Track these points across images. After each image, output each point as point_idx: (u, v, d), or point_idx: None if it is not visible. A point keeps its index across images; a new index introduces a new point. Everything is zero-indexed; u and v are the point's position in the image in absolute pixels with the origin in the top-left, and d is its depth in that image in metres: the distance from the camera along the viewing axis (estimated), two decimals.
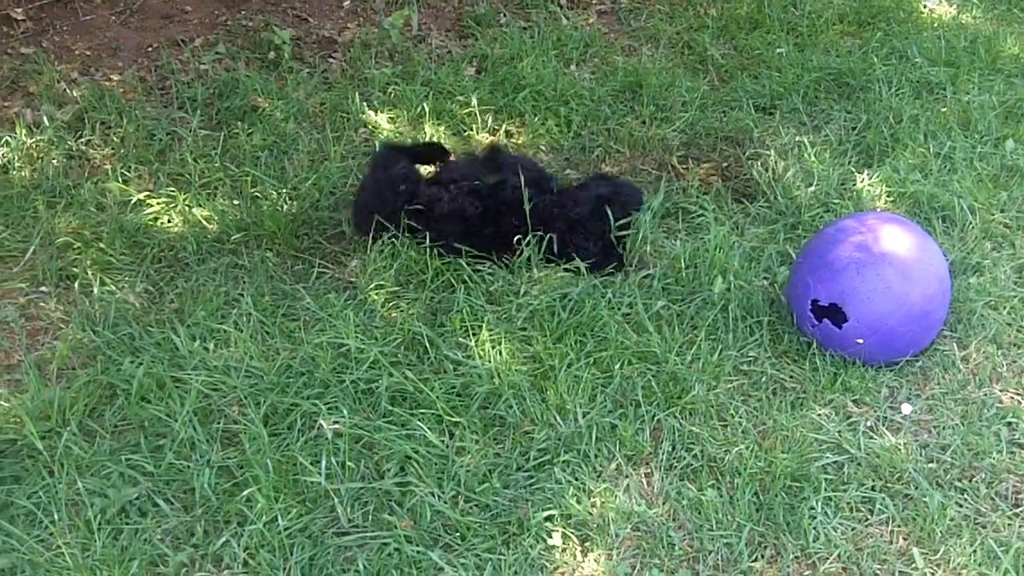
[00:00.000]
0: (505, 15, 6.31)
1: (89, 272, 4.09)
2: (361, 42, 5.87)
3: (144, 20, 5.95)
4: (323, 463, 3.22)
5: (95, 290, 4.00)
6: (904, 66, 5.58)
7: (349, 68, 5.67)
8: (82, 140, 4.85)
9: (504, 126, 5.10)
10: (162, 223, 4.38)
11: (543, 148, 4.98)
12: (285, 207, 4.50)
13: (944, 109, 5.12)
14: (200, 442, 3.32)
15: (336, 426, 3.34)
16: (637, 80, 5.48)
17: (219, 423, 3.40)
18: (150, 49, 5.71)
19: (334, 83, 5.52)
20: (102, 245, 4.22)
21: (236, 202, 4.52)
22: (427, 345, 3.71)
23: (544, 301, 3.89)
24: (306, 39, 5.96)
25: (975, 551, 3.06)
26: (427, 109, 5.17)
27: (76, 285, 4.04)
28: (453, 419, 3.41)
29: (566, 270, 4.07)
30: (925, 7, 6.36)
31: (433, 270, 4.05)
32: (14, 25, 5.70)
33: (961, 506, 3.20)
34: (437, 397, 3.45)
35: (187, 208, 4.44)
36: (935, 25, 6.10)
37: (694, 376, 3.59)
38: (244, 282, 4.08)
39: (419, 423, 3.36)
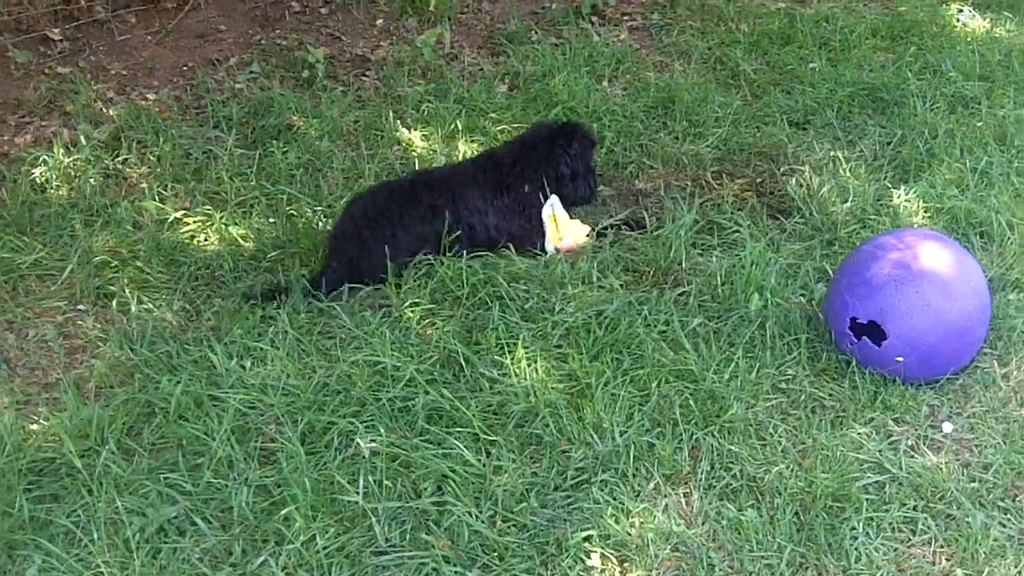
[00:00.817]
0: (537, 32, 6.32)
1: (126, 290, 4.11)
2: (394, 60, 5.90)
3: (179, 40, 6.00)
4: (360, 482, 3.21)
5: (132, 308, 4.02)
6: (938, 80, 5.55)
7: (382, 86, 5.69)
8: (119, 159, 4.89)
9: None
10: (198, 241, 4.41)
11: None
12: (320, 225, 4.51)
13: (979, 123, 5.09)
14: (238, 460, 3.31)
15: (373, 444, 3.33)
16: (669, 96, 5.48)
17: (256, 441, 3.40)
18: (185, 68, 5.76)
19: (368, 101, 5.54)
20: (139, 263, 4.25)
21: (272, 220, 4.54)
22: (463, 363, 3.70)
23: (580, 318, 3.88)
24: (340, 58, 5.99)
25: (1020, 572, 3.01)
26: (460, 126, 5.17)
27: (114, 303, 4.06)
28: (489, 438, 3.40)
29: (601, 287, 4.06)
30: (958, 21, 6.33)
31: (468, 287, 4.04)
32: (51, 45, 5.75)
33: (1004, 526, 3.16)
34: (473, 415, 3.43)
35: (223, 226, 4.46)
36: (969, 39, 6.07)
37: (732, 394, 3.57)
38: (280, 300, 4.08)
39: (455, 442, 3.35)
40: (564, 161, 4.39)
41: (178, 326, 3.96)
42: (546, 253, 4.34)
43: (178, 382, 3.59)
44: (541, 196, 4.36)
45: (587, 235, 4.38)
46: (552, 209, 4.35)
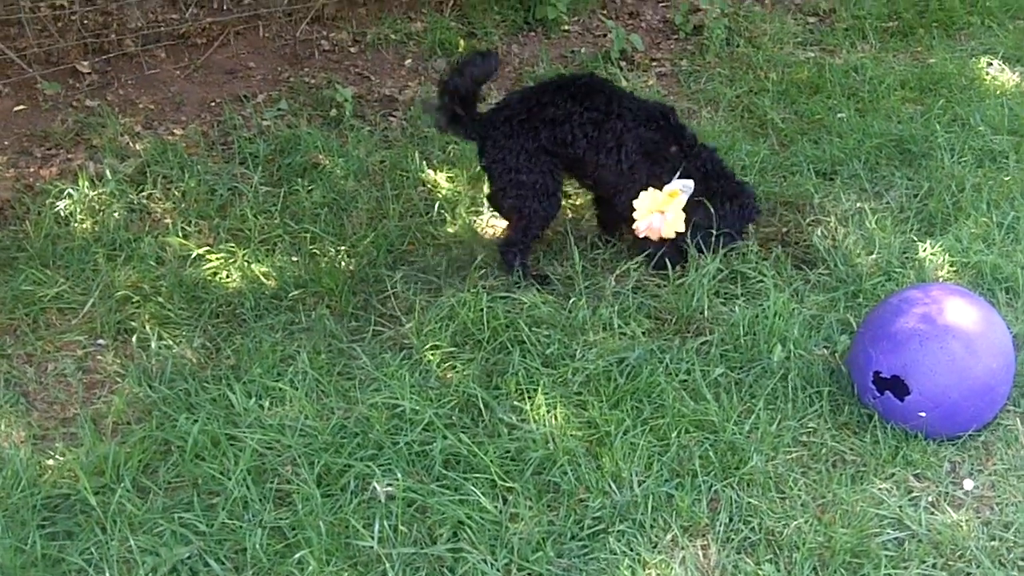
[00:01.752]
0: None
1: (147, 326, 4.12)
2: (422, 100, 5.91)
3: (208, 75, 6.04)
4: (376, 527, 3.19)
5: (152, 344, 4.02)
6: (967, 133, 5.52)
7: (409, 126, 5.71)
8: (144, 194, 4.91)
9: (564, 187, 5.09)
10: (221, 278, 4.41)
11: None
12: (343, 264, 4.51)
13: (1008, 178, 5.05)
14: (253, 501, 3.30)
15: (389, 489, 3.32)
16: None
17: (272, 483, 3.39)
18: (213, 104, 5.79)
19: (394, 141, 5.56)
20: (161, 299, 4.26)
21: (295, 259, 4.54)
22: (482, 408, 3.69)
23: (600, 365, 3.86)
24: (367, 97, 6.02)
25: None
26: None
27: (134, 339, 4.07)
28: (507, 484, 3.37)
29: (622, 334, 4.04)
30: (988, 74, 6.31)
31: (490, 331, 4.03)
32: (80, 78, 5.80)
33: None
34: (491, 461, 3.41)
35: (246, 264, 4.47)
36: (998, 92, 6.04)
37: (752, 446, 3.54)
38: (300, 339, 4.08)
39: (472, 488, 3.33)
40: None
41: (197, 363, 3.96)
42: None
43: (195, 420, 3.59)
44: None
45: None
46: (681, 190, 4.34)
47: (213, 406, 3.70)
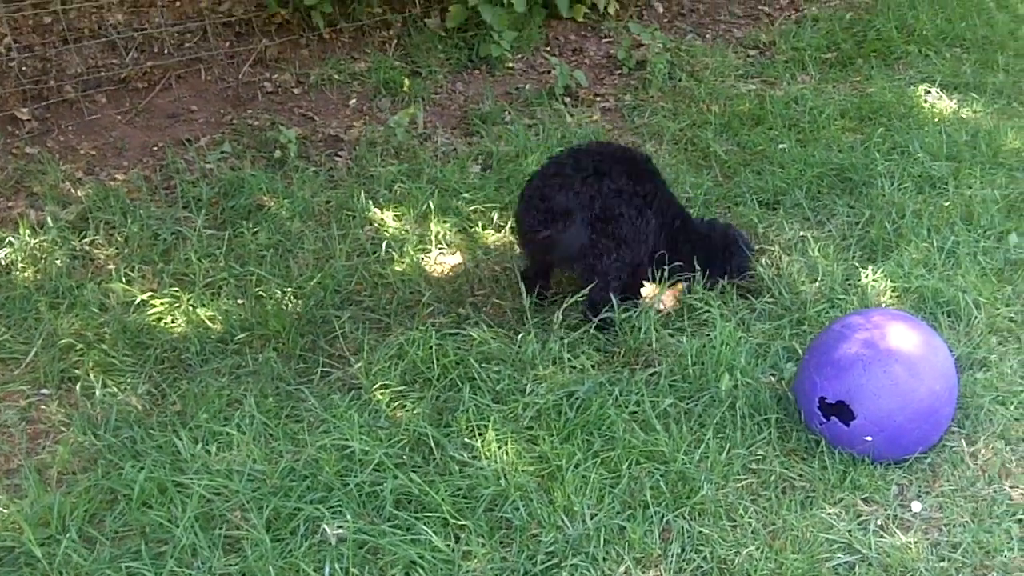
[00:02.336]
0: (510, 113, 6.36)
1: (91, 374, 4.08)
2: (367, 140, 5.93)
3: (150, 119, 6.02)
4: (327, 570, 3.17)
5: (97, 392, 3.98)
6: (906, 161, 5.60)
7: (355, 166, 5.71)
8: (86, 240, 4.88)
9: (510, 223, 5.10)
10: (165, 324, 4.38)
11: None
12: (289, 306, 4.50)
13: (947, 203, 5.12)
14: (202, 549, 3.26)
15: (340, 531, 3.29)
16: None
17: (221, 529, 3.35)
18: (155, 148, 5.77)
19: (340, 181, 5.56)
20: (105, 346, 4.22)
21: (240, 302, 4.52)
22: (433, 446, 3.68)
23: (551, 400, 3.86)
24: (312, 137, 6.02)
25: None
26: (432, 206, 5.19)
27: (78, 387, 4.02)
28: (459, 522, 3.36)
29: (572, 368, 4.05)
30: (926, 102, 6.40)
31: (439, 368, 4.03)
32: (20, 125, 5.75)
33: None
34: (443, 500, 3.40)
35: (191, 308, 4.44)
36: (936, 120, 6.13)
37: (703, 475, 3.55)
38: (247, 383, 4.06)
39: (424, 527, 3.31)
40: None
41: (143, 410, 3.93)
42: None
43: (142, 468, 3.54)
44: None
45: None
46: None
47: (159, 453, 3.66)
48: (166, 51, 6.47)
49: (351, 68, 6.70)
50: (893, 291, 4.49)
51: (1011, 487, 3.54)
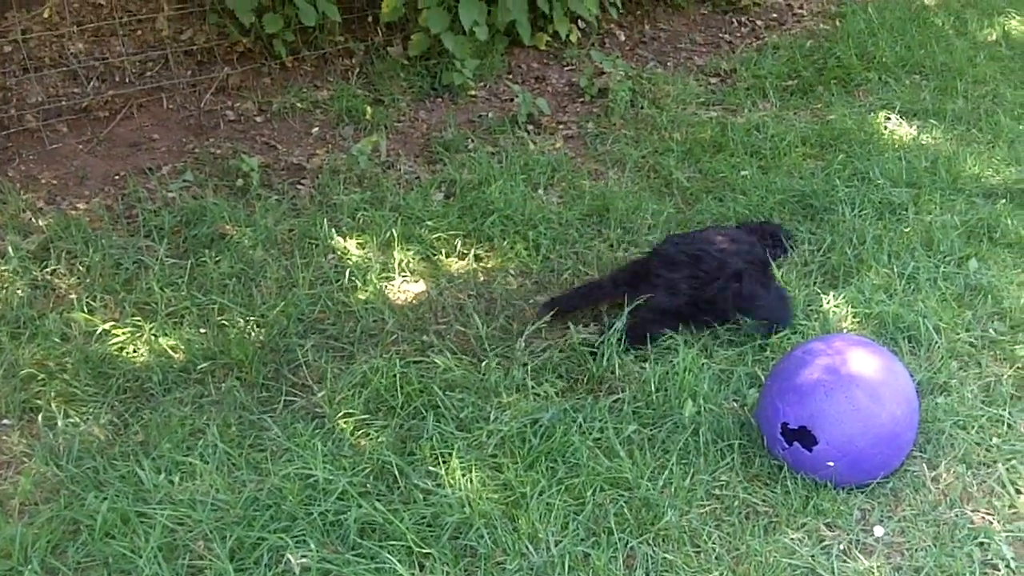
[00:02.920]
0: (473, 140, 6.38)
1: (53, 404, 4.04)
2: (330, 168, 5.92)
3: (111, 148, 5.99)
4: None
5: (59, 423, 3.95)
6: (866, 187, 5.65)
7: (318, 194, 5.71)
8: (47, 270, 4.84)
9: (473, 250, 5.12)
10: (128, 353, 4.35)
11: (512, 272, 4.99)
12: (252, 335, 4.48)
13: (907, 229, 5.17)
14: None
15: (304, 560, 3.28)
16: (604, 204, 5.54)
17: (184, 559, 3.33)
18: (117, 177, 5.74)
19: (303, 209, 5.55)
20: (67, 376, 4.19)
21: (203, 331, 4.50)
22: (396, 474, 3.67)
23: (515, 427, 3.87)
24: (274, 166, 6.01)
25: None
26: (396, 234, 5.19)
27: (40, 418, 3.99)
28: (424, 551, 3.35)
29: (536, 395, 4.06)
30: (886, 128, 6.47)
31: (403, 396, 4.03)
32: None
33: None
34: (407, 528, 3.39)
35: (153, 337, 4.42)
36: (896, 146, 6.20)
37: (666, 501, 3.55)
38: (210, 412, 4.04)
39: (388, 556, 3.30)
40: None
41: (105, 440, 3.90)
42: None
43: (104, 498, 3.52)
44: None
45: None
46: None
47: (122, 483, 3.64)
48: (127, 80, 6.46)
49: (313, 96, 6.71)
50: (854, 317, 4.52)
51: (972, 511, 3.57)
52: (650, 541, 3.43)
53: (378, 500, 3.53)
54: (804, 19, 8.69)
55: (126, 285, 4.80)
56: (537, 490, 3.58)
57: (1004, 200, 5.46)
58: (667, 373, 4.13)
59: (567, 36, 7.62)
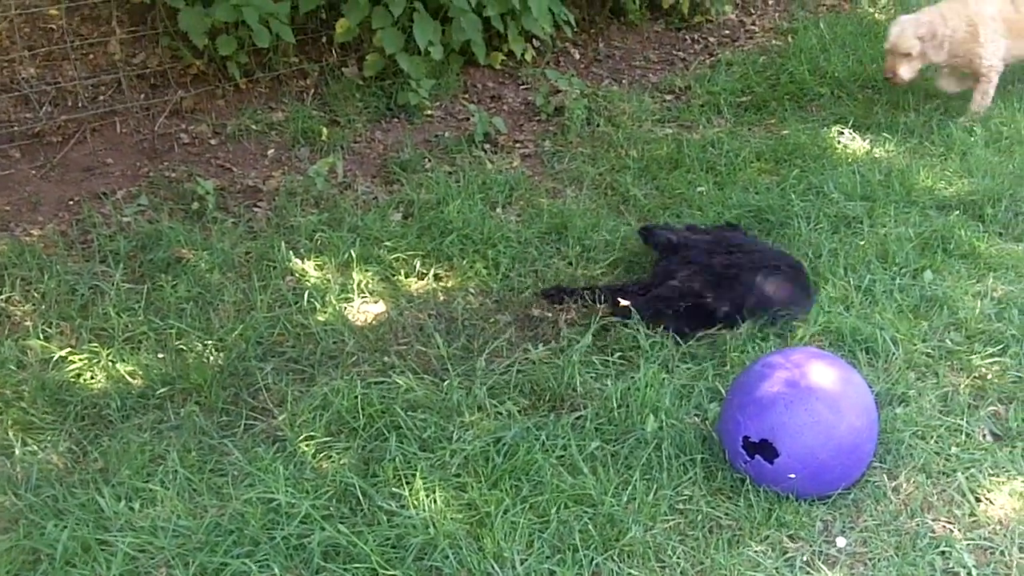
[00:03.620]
0: (430, 160, 6.39)
1: (10, 433, 4.00)
2: (286, 190, 5.90)
3: (65, 174, 5.95)
4: None
5: (17, 451, 3.91)
6: (821, 201, 5.69)
7: (275, 216, 5.68)
8: (2, 297, 4.79)
9: (433, 270, 5.12)
10: (85, 380, 4.31)
11: (472, 291, 4.99)
12: (211, 359, 4.45)
13: (863, 242, 5.21)
14: None
15: None
16: (562, 221, 5.55)
17: None
18: (72, 203, 5.70)
19: (259, 232, 5.52)
20: (23, 404, 4.14)
21: (160, 356, 4.46)
22: (360, 496, 3.65)
23: (478, 446, 3.86)
24: (230, 189, 5.98)
25: None
26: (354, 255, 5.18)
27: None
28: (388, 572, 3.34)
29: (498, 414, 4.05)
30: (839, 143, 6.52)
31: (365, 418, 4.01)
32: None
33: None
34: (371, 550, 3.37)
35: (111, 363, 4.38)
36: (850, 160, 6.25)
37: (631, 517, 3.56)
38: (170, 438, 4.00)
39: None
40: None
41: (64, 468, 3.85)
42: None
43: (64, 527, 3.49)
44: None
45: None
46: None
47: (82, 511, 3.60)
48: (80, 104, 6.41)
49: (268, 118, 6.68)
50: (813, 329, 4.55)
51: (933, 520, 3.59)
52: (615, 557, 3.43)
53: (341, 523, 3.52)
54: (756, 35, 8.76)
55: (82, 311, 4.76)
56: (501, 509, 3.57)
57: (957, 212, 5.52)
58: (628, 389, 4.13)
59: (522, 55, 7.64)
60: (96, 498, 3.63)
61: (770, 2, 9.42)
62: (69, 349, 4.44)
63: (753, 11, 9.23)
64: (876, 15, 8.98)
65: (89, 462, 3.89)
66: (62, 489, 3.72)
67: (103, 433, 4.05)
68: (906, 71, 6.60)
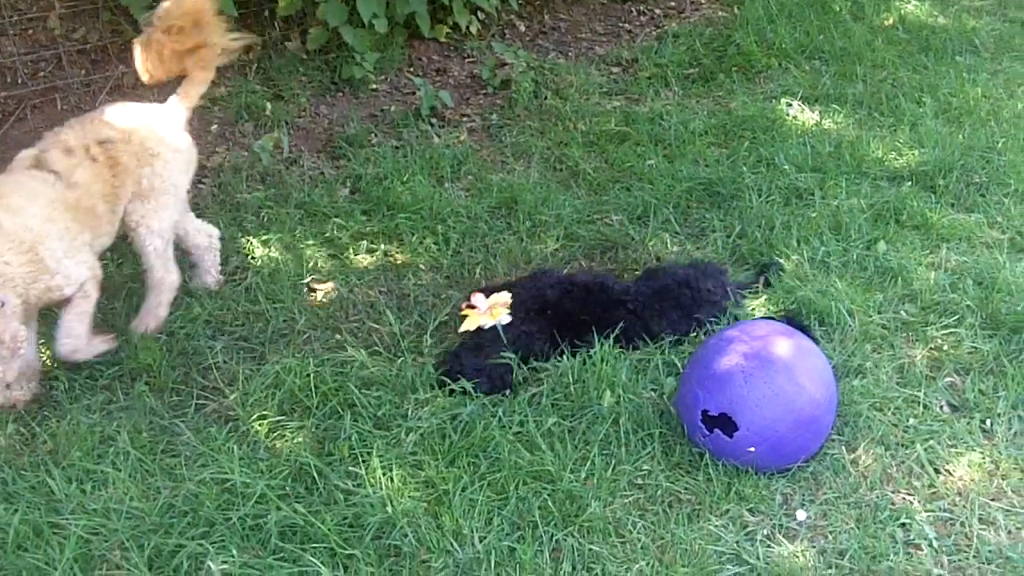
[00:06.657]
0: (377, 135, 6.31)
1: None
2: (231, 166, 5.81)
3: (5, 152, 5.73)
4: None
5: None
6: (772, 173, 5.69)
7: (220, 193, 5.59)
8: None
9: (382, 246, 5.06)
10: None
11: (423, 267, 4.94)
12: (159, 339, 4.37)
13: (814, 215, 5.22)
14: None
15: (224, 566, 3.22)
16: (512, 196, 5.51)
17: (102, 569, 3.25)
18: None
19: (204, 209, 5.43)
20: None
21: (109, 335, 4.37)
22: (315, 475, 3.61)
23: (434, 423, 3.83)
24: None
25: None
26: (302, 232, 5.10)
27: None
28: (347, 552, 3.30)
29: (452, 391, 4.01)
30: (788, 115, 6.52)
31: (319, 396, 3.96)
32: None
33: None
34: (329, 530, 3.34)
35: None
36: (800, 132, 6.24)
37: (590, 493, 3.55)
38: (120, 419, 3.93)
39: (311, 558, 3.25)
40: None
41: (12, 451, 3.78)
42: None
43: (15, 510, 3.42)
44: None
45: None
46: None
47: (32, 494, 3.53)
48: (20, 81, 6.26)
49: (211, 93, 6.53)
50: (768, 302, 4.55)
51: (892, 492, 3.61)
52: (575, 533, 3.41)
53: (298, 502, 3.47)
54: (703, 7, 8.73)
55: None
56: (459, 487, 3.55)
57: (909, 183, 5.54)
58: (584, 364, 4.11)
59: (467, 27, 7.57)
60: (47, 480, 3.57)
61: None
62: None
63: None
64: None
65: (38, 444, 3.82)
66: (11, 472, 3.65)
67: (51, 415, 3.97)
68: None
